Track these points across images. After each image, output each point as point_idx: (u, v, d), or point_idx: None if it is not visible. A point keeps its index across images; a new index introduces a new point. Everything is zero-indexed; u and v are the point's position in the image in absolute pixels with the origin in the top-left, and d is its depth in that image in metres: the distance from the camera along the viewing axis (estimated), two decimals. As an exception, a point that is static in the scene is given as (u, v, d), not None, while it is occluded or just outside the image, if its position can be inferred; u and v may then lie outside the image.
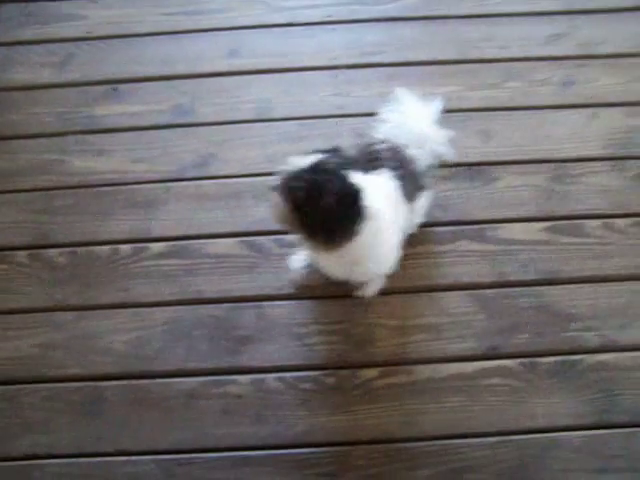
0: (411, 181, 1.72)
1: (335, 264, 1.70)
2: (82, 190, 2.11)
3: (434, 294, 1.92)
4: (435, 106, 1.81)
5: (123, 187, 2.11)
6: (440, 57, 2.36)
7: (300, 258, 1.89)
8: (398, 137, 1.76)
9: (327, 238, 1.52)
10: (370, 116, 1.89)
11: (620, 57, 2.36)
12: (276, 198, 1.50)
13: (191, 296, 1.92)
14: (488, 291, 1.91)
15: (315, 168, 1.46)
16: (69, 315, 1.90)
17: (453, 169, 2.06)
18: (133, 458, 1.71)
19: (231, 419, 1.75)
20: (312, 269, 1.86)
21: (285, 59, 2.38)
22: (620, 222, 2.03)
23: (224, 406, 1.76)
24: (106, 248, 2.00)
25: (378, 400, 1.76)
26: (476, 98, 2.26)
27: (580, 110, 2.25)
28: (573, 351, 1.83)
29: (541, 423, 1.74)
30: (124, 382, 1.80)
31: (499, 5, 2.48)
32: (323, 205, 1.44)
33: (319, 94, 2.29)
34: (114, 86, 2.32)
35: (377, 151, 1.71)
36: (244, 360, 1.82)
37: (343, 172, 1.49)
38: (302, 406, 1.76)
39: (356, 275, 1.77)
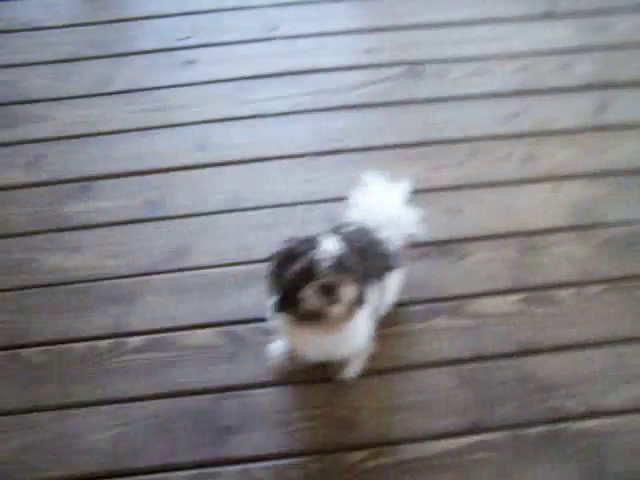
0: (380, 261, 1.75)
1: (311, 345, 1.70)
2: (56, 288, 2.10)
3: (414, 372, 1.92)
4: (403, 187, 1.86)
5: (98, 283, 2.11)
6: (405, 140, 2.44)
7: (278, 344, 1.89)
8: (369, 220, 1.79)
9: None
10: (340, 201, 1.94)
11: (573, 133, 2.46)
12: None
13: (171, 389, 1.89)
14: (467, 365, 1.92)
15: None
16: (47, 415, 1.86)
17: (424, 248, 2.09)
18: None
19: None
20: (291, 355, 1.85)
21: (252, 149, 2.43)
22: (589, 289, 2.07)
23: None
24: (83, 345, 1.98)
25: (366, 483, 1.74)
26: (442, 177, 2.33)
27: (542, 183, 2.33)
28: (557, 420, 1.83)
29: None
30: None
31: (457, 88, 2.59)
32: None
33: (288, 182, 2.34)
34: (85, 184, 2.35)
35: (346, 233, 1.74)
36: (228, 451, 1.79)
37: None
38: (289, 495, 1.73)
39: (331, 355, 1.77)
